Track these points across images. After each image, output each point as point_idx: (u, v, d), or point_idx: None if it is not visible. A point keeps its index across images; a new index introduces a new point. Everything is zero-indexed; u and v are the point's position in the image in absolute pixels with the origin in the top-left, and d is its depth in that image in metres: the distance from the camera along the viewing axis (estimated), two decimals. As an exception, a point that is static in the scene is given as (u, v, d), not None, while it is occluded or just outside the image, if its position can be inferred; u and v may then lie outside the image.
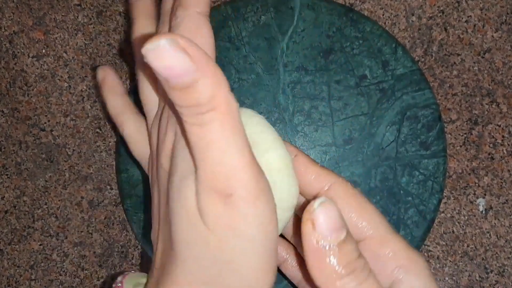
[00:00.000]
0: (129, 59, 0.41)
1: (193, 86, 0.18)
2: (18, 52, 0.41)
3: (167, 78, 0.18)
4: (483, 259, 0.41)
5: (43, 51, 0.41)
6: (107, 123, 0.41)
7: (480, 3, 0.40)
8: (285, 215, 0.27)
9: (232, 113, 0.20)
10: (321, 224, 0.20)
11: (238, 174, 0.21)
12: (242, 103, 0.38)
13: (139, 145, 0.30)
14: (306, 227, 0.20)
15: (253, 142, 0.23)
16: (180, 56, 0.17)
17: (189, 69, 0.18)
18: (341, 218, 0.20)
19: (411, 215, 0.38)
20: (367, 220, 0.26)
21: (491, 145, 0.41)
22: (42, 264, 0.41)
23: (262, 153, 0.25)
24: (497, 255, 0.41)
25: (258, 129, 0.26)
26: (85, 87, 0.41)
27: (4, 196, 0.42)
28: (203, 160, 0.21)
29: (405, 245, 0.25)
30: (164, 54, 0.17)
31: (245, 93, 0.38)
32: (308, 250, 0.20)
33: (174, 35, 0.17)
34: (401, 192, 0.38)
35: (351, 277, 0.20)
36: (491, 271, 0.41)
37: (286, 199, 0.26)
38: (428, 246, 0.41)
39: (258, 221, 0.21)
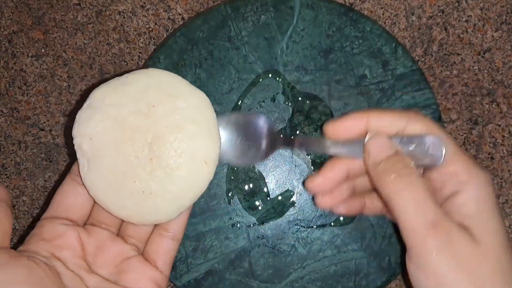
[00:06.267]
0: (129, 59, 0.41)
1: None
2: (18, 52, 0.41)
3: None
4: (483, 259, 0.41)
5: (43, 50, 0.41)
6: (106, 122, 0.41)
7: (480, 2, 0.40)
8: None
9: None
10: (371, 151, 0.28)
11: None
12: (242, 103, 0.38)
13: None
14: (365, 157, 0.29)
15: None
16: None
17: None
18: (387, 142, 0.28)
19: (411, 215, 0.38)
20: None
21: (491, 145, 0.41)
22: (42, 264, 0.41)
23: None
24: (497, 255, 0.41)
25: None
26: (84, 87, 0.41)
27: (3, 196, 0.41)
28: None
29: (468, 163, 0.28)
30: None
31: (245, 93, 0.38)
32: (368, 169, 0.29)
33: None
34: (401, 192, 0.38)
35: (395, 176, 0.27)
36: (491, 271, 0.41)
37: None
38: (428, 246, 0.41)
39: None
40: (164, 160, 0.28)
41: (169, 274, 0.31)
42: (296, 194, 0.39)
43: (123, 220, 0.31)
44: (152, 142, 0.28)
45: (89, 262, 0.28)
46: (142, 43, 0.41)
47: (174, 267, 0.37)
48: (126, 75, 0.29)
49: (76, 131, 0.29)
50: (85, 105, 0.29)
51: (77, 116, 0.29)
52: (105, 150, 0.28)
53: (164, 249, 0.30)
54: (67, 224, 0.29)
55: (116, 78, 0.29)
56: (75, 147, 0.29)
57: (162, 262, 0.30)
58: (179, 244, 0.31)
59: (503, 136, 0.40)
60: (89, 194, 0.29)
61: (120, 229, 0.31)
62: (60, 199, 0.29)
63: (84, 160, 0.28)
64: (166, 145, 0.28)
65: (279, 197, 0.39)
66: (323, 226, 0.38)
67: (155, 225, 0.31)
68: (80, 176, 0.29)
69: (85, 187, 0.29)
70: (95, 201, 0.30)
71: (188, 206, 0.29)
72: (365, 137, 0.29)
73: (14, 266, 0.24)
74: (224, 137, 0.31)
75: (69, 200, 0.29)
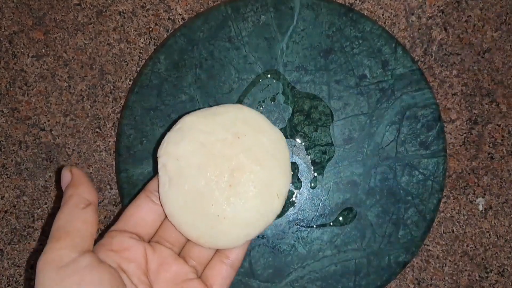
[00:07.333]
0: (129, 59, 0.41)
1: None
2: (18, 52, 0.41)
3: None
4: (482, 258, 0.41)
5: (43, 51, 0.41)
6: (106, 123, 0.41)
7: (480, 3, 0.40)
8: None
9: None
10: None
11: None
12: (241, 103, 0.38)
13: None
14: None
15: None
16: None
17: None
18: None
19: (411, 215, 0.38)
20: None
21: (490, 145, 0.41)
22: (42, 264, 0.41)
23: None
24: (496, 254, 0.41)
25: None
26: (84, 87, 0.41)
27: (4, 196, 0.42)
28: None
29: None
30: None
31: (245, 93, 0.38)
32: None
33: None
34: (401, 191, 0.38)
35: None
36: (491, 271, 0.41)
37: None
38: (428, 245, 0.41)
39: None
40: (242, 188, 0.30)
41: None
42: (296, 194, 0.39)
43: (187, 241, 0.32)
44: (234, 169, 0.30)
45: (151, 279, 0.29)
46: (143, 43, 0.41)
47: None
48: (215, 106, 0.31)
49: (164, 151, 0.30)
50: (175, 128, 0.31)
51: (165, 137, 0.30)
52: (189, 172, 0.30)
53: (223, 276, 0.31)
54: (135, 238, 0.30)
55: (206, 108, 0.32)
56: (159, 165, 0.30)
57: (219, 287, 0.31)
58: (236, 273, 0.32)
59: (503, 136, 0.40)
60: (164, 211, 0.30)
61: (183, 250, 0.32)
62: (132, 213, 0.30)
63: (166, 178, 0.30)
64: (245, 175, 0.30)
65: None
66: (323, 225, 0.38)
67: (217, 251, 0.32)
68: (158, 194, 0.30)
69: (160, 204, 0.30)
70: (165, 219, 0.31)
71: (255, 235, 0.31)
72: None
73: (101, 269, 0.25)
74: None
75: (141, 215, 0.30)
